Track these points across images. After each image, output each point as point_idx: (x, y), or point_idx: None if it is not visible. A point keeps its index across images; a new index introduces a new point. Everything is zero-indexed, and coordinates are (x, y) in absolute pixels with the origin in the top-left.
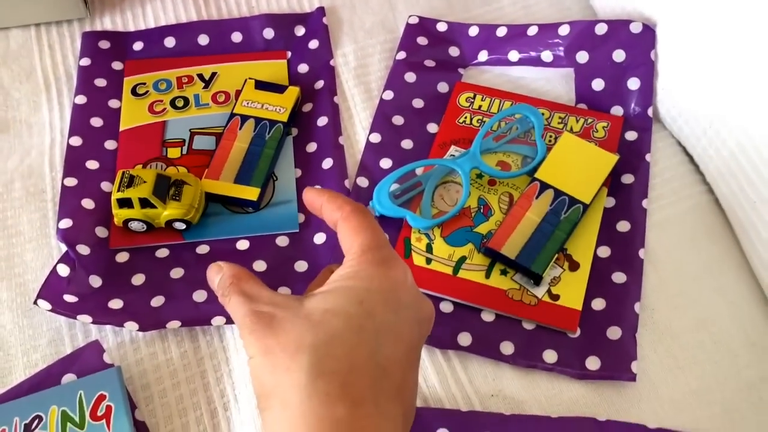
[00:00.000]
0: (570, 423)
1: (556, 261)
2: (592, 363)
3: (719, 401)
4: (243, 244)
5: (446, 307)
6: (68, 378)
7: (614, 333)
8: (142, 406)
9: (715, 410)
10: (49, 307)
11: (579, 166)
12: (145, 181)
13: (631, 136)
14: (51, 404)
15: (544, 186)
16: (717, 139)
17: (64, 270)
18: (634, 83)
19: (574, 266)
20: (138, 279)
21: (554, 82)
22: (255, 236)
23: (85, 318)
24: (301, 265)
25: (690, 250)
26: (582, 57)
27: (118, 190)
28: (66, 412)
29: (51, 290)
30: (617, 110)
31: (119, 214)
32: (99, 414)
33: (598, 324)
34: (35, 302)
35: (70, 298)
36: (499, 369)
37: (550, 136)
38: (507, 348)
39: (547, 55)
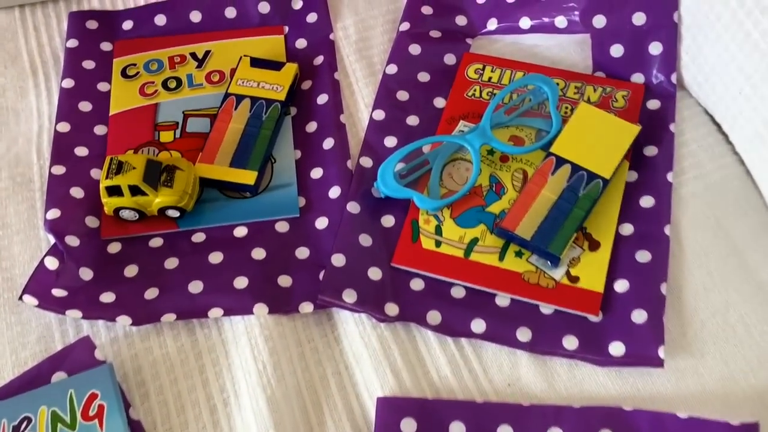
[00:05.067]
0: (594, 413)
1: (575, 241)
2: (616, 349)
3: (753, 386)
4: (241, 231)
5: (458, 293)
6: (58, 376)
7: (639, 316)
8: (138, 404)
9: (748, 395)
10: (36, 302)
11: (598, 138)
12: (134, 167)
13: (653, 105)
14: (40, 404)
15: (561, 161)
16: (748, 106)
17: (52, 263)
18: (655, 48)
19: (594, 246)
20: (131, 270)
21: (569, 50)
22: (253, 222)
23: (75, 313)
24: (302, 252)
25: (719, 226)
26: (599, 21)
27: (107, 178)
28: (56, 413)
29: (38, 285)
30: (638, 78)
31: (109, 203)
32: (91, 414)
33: (622, 307)
34: (20, 298)
35: (59, 293)
36: (516, 357)
37: (566, 108)
38: (524, 334)
39: (561, 21)
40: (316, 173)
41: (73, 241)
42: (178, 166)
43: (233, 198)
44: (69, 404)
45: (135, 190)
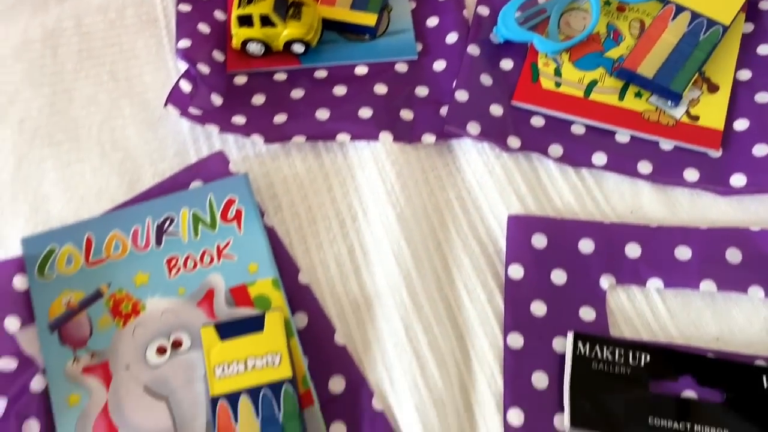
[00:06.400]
0: (721, 234)
1: (694, 83)
2: (738, 180)
3: None
4: (362, 70)
5: (578, 130)
6: (196, 184)
7: (761, 150)
8: (272, 213)
9: None
10: (179, 112)
11: None
12: None
13: None
14: (182, 206)
15: (680, 8)
16: None
17: (186, 86)
18: None
19: (713, 88)
20: (258, 99)
21: None
22: (373, 62)
23: (213, 127)
24: (422, 90)
25: None
26: None
27: (239, 7)
28: (197, 214)
29: (177, 101)
30: None
31: (239, 34)
32: (230, 217)
33: (743, 142)
34: (165, 105)
35: (195, 111)
36: (637, 187)
37: None
38: (645, 167)
39: None
40: (432, 21)
41: (204, 68)
42: (304, 1)
43: (352, 40)
44: (209, 207)
45: (265, 21)
